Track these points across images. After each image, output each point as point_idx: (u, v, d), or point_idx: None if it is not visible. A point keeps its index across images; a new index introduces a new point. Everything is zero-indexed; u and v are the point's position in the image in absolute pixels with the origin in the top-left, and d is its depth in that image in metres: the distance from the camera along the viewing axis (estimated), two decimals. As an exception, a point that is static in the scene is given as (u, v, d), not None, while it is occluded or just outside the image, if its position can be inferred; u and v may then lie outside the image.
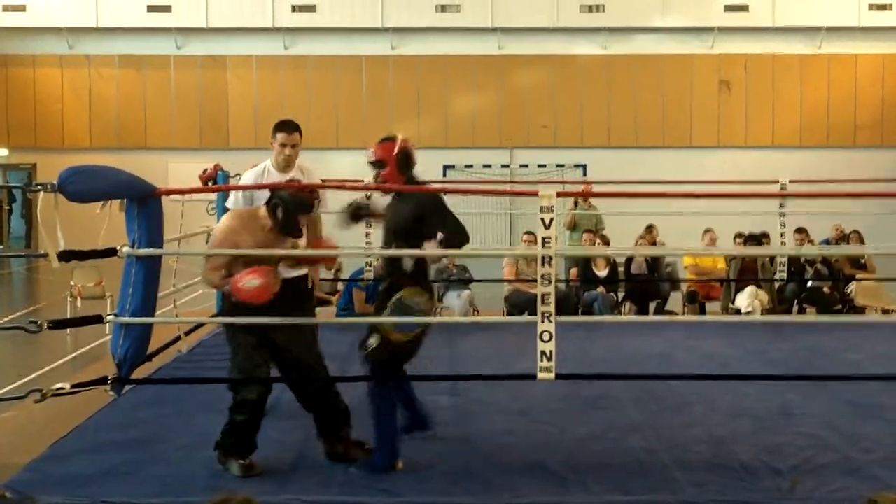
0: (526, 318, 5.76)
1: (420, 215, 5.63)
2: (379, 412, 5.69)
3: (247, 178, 6.84)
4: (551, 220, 5.46)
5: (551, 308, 5.49)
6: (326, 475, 5.52)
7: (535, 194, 5.53)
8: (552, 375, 5.54)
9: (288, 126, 6.61)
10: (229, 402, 5.73)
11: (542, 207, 5.46)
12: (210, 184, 9.77)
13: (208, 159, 12.02)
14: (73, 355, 10.97)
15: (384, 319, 5.52)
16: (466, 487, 5.35)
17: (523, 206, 17.16)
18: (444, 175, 22.89)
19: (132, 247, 5.45)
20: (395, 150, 5.76)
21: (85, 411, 6.78)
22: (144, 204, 5.47)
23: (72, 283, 12.65)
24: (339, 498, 5.17)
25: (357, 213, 6.12)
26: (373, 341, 5.56)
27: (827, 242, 13.10)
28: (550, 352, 5.50)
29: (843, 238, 13.21)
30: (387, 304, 5.57)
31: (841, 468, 5.63)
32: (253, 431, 5.71)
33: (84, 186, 5.20)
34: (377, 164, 5.80)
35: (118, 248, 5.47)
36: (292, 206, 5.56)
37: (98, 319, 5.79)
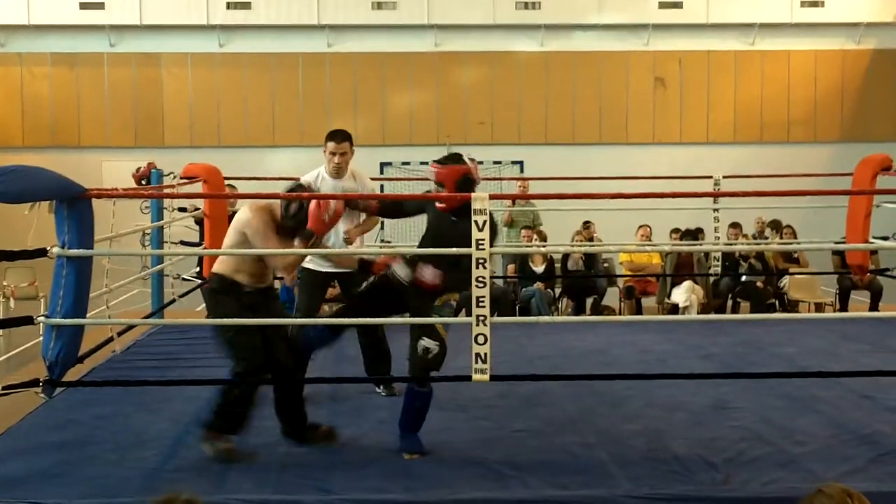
0: (461, 318, 5.78)
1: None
2: (420, 410, 5.93)
3: (304, 180, 7.07)
4: (485, 222, 5.47)
5: (486, 311, 5.52)
6: (261, 475, 5.48)
7: (468, 198, 5.54)
8: (487, 377, 5.60)
9: (337, 136, 7.10)
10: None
11: (474, 210, 5.47)
12: (144, 182, 9.73)
13: (143, 157, 11.93)
14: (7, 356, 10.83)
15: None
16: (404, 484, 5.33)
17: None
18: (382, 172, 22.87)
19: (62, 248, 5.39)
20: (456, 177, 5.84)
21: (17, 413, 6.67)
22: (74, 205, 5.41)
23: (4, 283, 12.51)
24: (275, 497, 5.12)
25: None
26: (432, 345, 5.75)
27: (755, 237, 13.26)
28: (485, 354, 5.55)
29: (770, 227, 13.35)
30: (424, 307, 5.86)
31: (774, 461, 5.68)
32: (245, 409, 5.82)
33: (11, 187, 5.11)
34: (437, 184, 5.91)
35: (48, 248, 5.41)
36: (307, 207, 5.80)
37: (29, 320, 5.72)
